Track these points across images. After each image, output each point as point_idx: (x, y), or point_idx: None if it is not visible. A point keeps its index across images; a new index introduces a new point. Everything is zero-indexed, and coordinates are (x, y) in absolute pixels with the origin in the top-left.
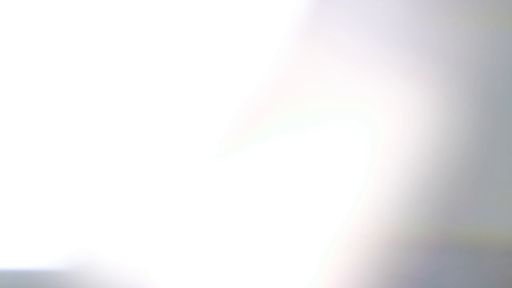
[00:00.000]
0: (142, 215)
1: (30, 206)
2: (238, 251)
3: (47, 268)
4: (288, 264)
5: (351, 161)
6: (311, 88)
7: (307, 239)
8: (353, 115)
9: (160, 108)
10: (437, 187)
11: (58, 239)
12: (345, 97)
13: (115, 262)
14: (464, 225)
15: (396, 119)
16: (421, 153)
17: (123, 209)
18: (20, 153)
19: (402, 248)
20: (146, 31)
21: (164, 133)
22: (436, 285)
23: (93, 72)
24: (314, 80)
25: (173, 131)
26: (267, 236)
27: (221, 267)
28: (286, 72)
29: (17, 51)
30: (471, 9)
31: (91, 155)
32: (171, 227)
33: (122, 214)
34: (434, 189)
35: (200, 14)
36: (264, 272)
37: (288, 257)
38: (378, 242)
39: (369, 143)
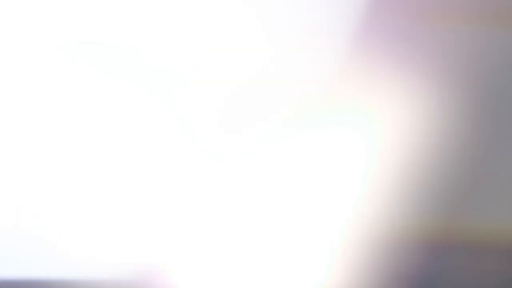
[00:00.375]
0: (143, 216)
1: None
2: (241, 252)
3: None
4: (289, 264)
5: (353, 161)
6: (311, 88)
7: (308, 239)
8: (354, 115)
9: (160, 107)
10: (438, 188)
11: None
12: (345, 97)
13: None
14: (464, 225)
15: (395, 119)
16: (422, 153)
17: (125, 211)
18: (25, 155)
19: (403, 248)
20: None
21: (164, 133)
22: (436, 285)
23: (92, 72)
24: (313, 80)
25: (173, 130)
26: (268, 236)
27: (224, 269)
28: (285, 72)
29: (17, 51)
30: (471, 9)
31: (91, 156)
32: (173, 228)
33: (124, 216)
34: (434, 190)
35: (209, 11)
36: (265, 273)
37: (289, 257)
38: (378, 242)
39: (369, 143)
